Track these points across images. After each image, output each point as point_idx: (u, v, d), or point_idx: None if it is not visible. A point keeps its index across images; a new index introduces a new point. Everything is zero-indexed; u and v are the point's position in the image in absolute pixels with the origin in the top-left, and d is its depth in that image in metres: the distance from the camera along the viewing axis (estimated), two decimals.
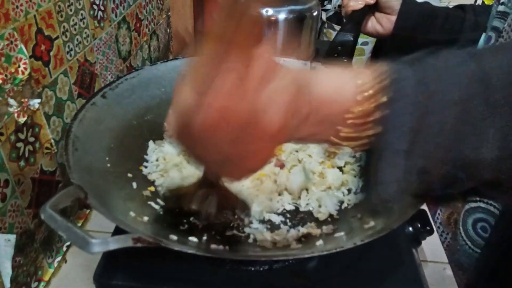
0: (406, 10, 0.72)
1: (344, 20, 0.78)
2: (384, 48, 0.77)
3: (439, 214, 0.67)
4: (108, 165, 0.52)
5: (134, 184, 0.54)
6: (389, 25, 0.74)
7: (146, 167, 0.59)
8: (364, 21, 0.76)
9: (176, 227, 0.49)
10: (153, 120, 0.63)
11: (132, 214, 0.46)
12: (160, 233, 0.45)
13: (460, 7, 0.76)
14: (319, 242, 0.46)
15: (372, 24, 0.76)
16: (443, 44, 0.73)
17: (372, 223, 0.47)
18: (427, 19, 0.71)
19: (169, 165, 0.59)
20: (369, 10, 0.75)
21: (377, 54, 0.81)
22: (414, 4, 0.73)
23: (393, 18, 0.72)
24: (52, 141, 0.58)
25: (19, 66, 0.50)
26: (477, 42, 0.68)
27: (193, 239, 0.46)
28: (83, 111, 0.53)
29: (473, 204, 0.58)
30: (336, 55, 0.72)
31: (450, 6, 0.79)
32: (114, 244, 0.37)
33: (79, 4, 0.63)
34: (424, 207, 0.69)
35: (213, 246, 0.46)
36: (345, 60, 0.71)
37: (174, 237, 0.45)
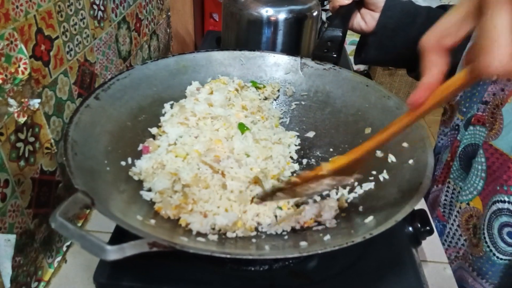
0: (389, 8, 0.72)
1: (330, 14, 0.78)
2: (366, 46, 0.76)
3: (456, 216, 0.65)
4: (108, 168, 0.51)
5: (134, 186, 0.54)
6: (373, 22, 0.74)
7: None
8: (351, 17, 0.76)
9: (180, 227, 0.49)
10: (146, 121, 0.61)
11: (139, 217, 0.46)
12: (167, 235, 0.45)
13: (442, 7, 0.76)
14: (327, 237, 0.46)
15: (357, 20, 0.76)
16: None
17: (375, 217, 0.47)
18: (408, 17, 0.71)
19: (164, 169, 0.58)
20: (356, 6, 0.75)
21: (359, 51, 0.80)
22: (397, 2, 0.73)
23: (377, 15, 0.73)
24: (52, 141, 0.58)
25: (19, 66, 0.50)
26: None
27: (201, 239, 0.46)
28: (78, 114, 0.52)
29: (500, 205, 0.56)
30: (326, 50, 0.71)
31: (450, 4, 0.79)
32: (131, 250, 0.36)
33: (79, 4, 0.63)
34: (424, 207, 0.69)
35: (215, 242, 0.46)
36: (335, 55, 0.71)
37: (184, 239, 0.44)
